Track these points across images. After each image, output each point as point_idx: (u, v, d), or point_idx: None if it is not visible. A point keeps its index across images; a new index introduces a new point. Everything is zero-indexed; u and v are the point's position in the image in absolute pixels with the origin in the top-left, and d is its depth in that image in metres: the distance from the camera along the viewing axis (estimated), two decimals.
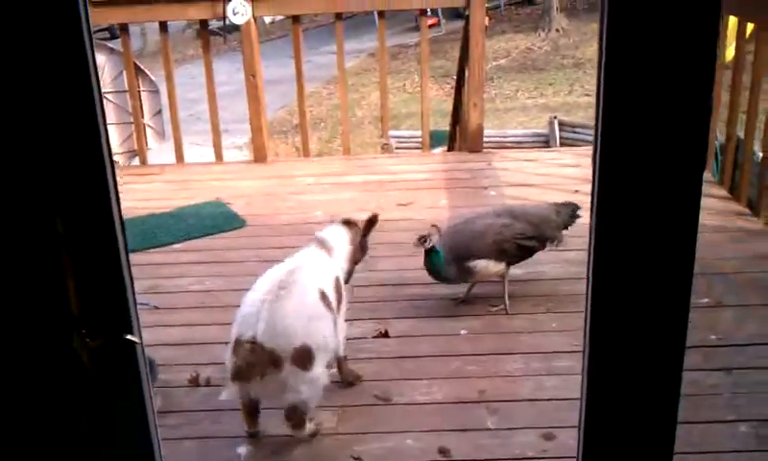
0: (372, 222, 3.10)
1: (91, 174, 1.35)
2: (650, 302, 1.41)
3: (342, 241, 3.00)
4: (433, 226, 3.49)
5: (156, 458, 1.54)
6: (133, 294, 1.45)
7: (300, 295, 2.69)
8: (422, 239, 3.41)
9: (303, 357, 2.59)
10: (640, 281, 1.40)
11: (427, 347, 3.35)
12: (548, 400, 2.94)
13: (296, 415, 2.66)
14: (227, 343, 2.67)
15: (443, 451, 2.70)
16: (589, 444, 1.56)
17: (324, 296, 2.74)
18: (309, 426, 2.73)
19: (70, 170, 1.34)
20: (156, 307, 3.28)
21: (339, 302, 2.83)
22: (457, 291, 3.67)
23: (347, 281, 3.01)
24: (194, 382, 3.11)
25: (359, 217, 3.12)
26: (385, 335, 3.40)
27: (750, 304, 3.53)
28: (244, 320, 2.62)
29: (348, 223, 3.07)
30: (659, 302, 1.41)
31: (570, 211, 3.69)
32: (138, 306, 1.47)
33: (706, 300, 3.46)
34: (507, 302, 3.57)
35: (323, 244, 2.94)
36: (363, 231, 3.08)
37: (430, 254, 3.43)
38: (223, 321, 3.56)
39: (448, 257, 3.42)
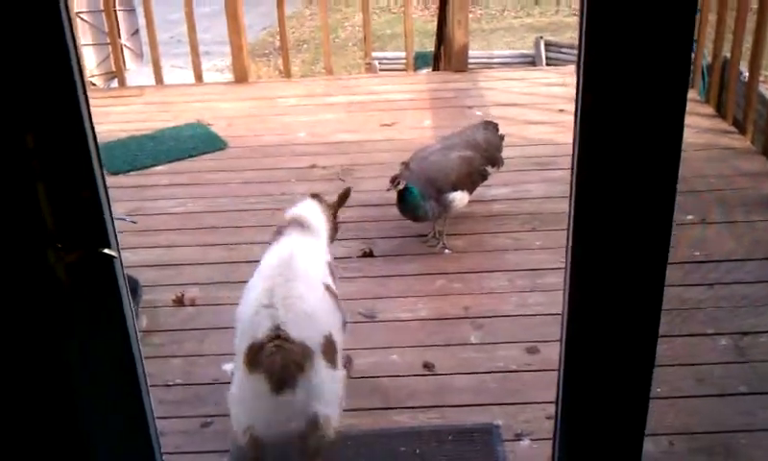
0: (344, 197, 2.72)
1: (60, 88, 1.30)
2: (633, 217, 1.40)
3: (321, 219, 2.56)
4: (402, 163, 3.37)
5: (139, 372, 1.54)
6: (110, 209, 1.42)
7: (308, 284, 2.21)
8: (395, 180, 3.25)
9: (331, 350, 2.08)
10: (623, 197, 1.38)
11: (412, 266, 3.36)
12: (532, 315, 2.97)
13: (319, 444, 2.02)
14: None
15: (427, 366, 2.73)
16: (571, 356, 1.57)
17: (329, 289, 2.29)
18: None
19: (39, 85, 1.30)
20: (134, 223, 3.23)
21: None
22: (424, 229, 3.55)
23: None
24: (179, 302, 3.11)
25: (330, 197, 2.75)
26: (370, 255, 3.40)
27: (734, 221, 3.54)
28: (252, 321, 2.03)
29: (317, 198, 2.67)
30: (641, 217, 1.40)
31: (494, 129, 3.71)
32: (114, 221, 1.44)
33: (690, 216, 3.48)
34: (446, 239, 3.49)
35: (305, 226, 2.46)
36: (335, 207, 2.69)
37: (405, 193, 3.27)
38: (205, 242, 3.57)
39: (425, 193, 3.28)
